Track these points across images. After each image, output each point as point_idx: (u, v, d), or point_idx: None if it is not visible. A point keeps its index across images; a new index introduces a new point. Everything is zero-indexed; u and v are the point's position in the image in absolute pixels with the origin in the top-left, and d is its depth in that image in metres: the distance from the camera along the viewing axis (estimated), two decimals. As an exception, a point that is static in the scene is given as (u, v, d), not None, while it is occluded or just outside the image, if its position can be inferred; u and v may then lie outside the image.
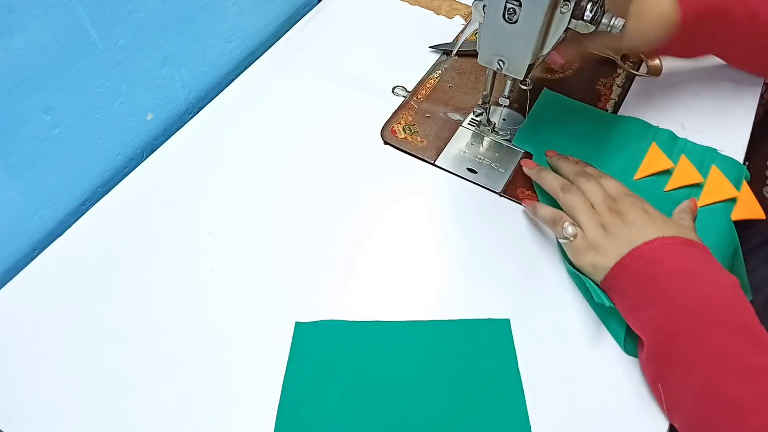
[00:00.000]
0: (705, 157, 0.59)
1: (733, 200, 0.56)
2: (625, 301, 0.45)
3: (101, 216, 0.56)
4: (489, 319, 0.49)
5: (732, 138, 0.62)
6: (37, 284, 0.51)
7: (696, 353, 0.40)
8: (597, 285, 0.48)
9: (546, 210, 0.52)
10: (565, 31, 0.48)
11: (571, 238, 0.48)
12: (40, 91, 0.49)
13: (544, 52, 0.50)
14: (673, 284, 0.43)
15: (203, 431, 0.44)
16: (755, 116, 0.65)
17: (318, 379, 0.46)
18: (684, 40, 0.57)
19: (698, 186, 0.57)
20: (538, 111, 0.64)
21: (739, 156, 0.60)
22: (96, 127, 0.56)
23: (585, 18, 0.47)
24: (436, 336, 0.48)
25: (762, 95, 0.69)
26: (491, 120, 0.62)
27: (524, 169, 0.57)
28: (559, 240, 0.50)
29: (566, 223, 0.49)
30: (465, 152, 0.61)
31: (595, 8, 0.47)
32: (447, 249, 0.54)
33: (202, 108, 0.65)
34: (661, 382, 0.43)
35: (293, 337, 0.48)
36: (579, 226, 0.49)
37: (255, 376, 0.46)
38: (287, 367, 0.47)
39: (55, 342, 0.48)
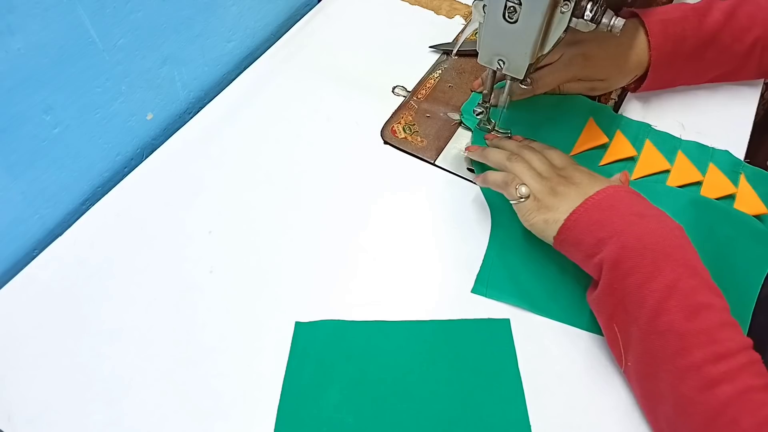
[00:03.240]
0: (639, 132, 0.62)
1: (699, 183, 0.57)
2: (580, 250, 0.46)
3: (101, 216, 0.56)
4: (489, 319, 0.49)
5: (732, 138, 0.62)
6: (37, 284, 0.51)
7: (647, 288, 0.42)
8: (549, 242, 0.49)
9: (497, 174, 0.53)
10: (565, 30, 0.48)
11: (524, 199, 0.49)
12: (40, 91, 0.49)
13: (545, 52, 0.50)
14: (626, 227, 0.44)
15: (203, 431, 0.44)
16: (755, 116, 0.65)
17: (318, 379, 0.46)
18: (653, 77, 0.61)
19: (632, 159, 0.59)
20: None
21: (739, 156, 0.60)
22: (96, 127, 0.56)
23: (585, 17, 0.47)
24: (436, 336, 0.48)
25: (762, 95, 0.69)
26: (491, 119, 0.61)
27: (467, 154, 0.58)
28: (511, 201, 0.51)
29: (518, 184, 0.50)
30: (465, 152, 0.61)
31: (595, 8, 0.47)
32: (447, 249, 0.54)
33: (202, 108, 0.65)
34: (615, 321, 0.44)
35: (293, 337, 0.48)
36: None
37: (255, 376, 0.46)
38: (287, 367, 0.47)
39: (55, 342, 0.48)
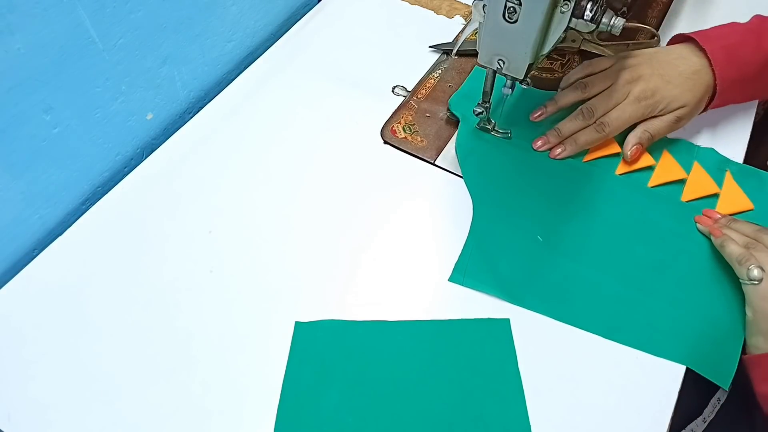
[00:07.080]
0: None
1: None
2: None
3: (101, 216, 0.56)
4: (489, 318, 0.49)
5: (732, 138, 0.62)
6: (37, 284, 0.51)
7: None
8: None
9: (734, 247, 0.50)
10: (565, 30, 0.48)
11: (756, 282, 0.48)
12: (40, 90, 0.49)
13: (544, 52, 0.50)
14: None
15: (203, 431, 0.44)
16: (755, 116, 0.65)
17: (318, 379, 0.46)
18: (718, 102, 0.59)
19: (617, 156, 0.59)
20: (472, 83, 0.65)
21: (739, 156, 0.61)
22: (96, 126, 0.56)
23: (585, 17, 0.47)
24: (436, 336, 0.48)
25: (762, 95, 0.69)
26: (491, 119, 0.61)
27: (714, 240, 0.53)
28: (742, 281, 0.49)
29: (752, 266, 0.48)
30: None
31: (595, 7, 0.47)
32: (447, 249, 0.54)
33: (202, 108, 0.65)
34: None
35: (293, 337, 0.48)
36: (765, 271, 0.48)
37: (255, 376, 0.46)
38: (287, 367, 0.47)
39: (55, 342, 0.48)
